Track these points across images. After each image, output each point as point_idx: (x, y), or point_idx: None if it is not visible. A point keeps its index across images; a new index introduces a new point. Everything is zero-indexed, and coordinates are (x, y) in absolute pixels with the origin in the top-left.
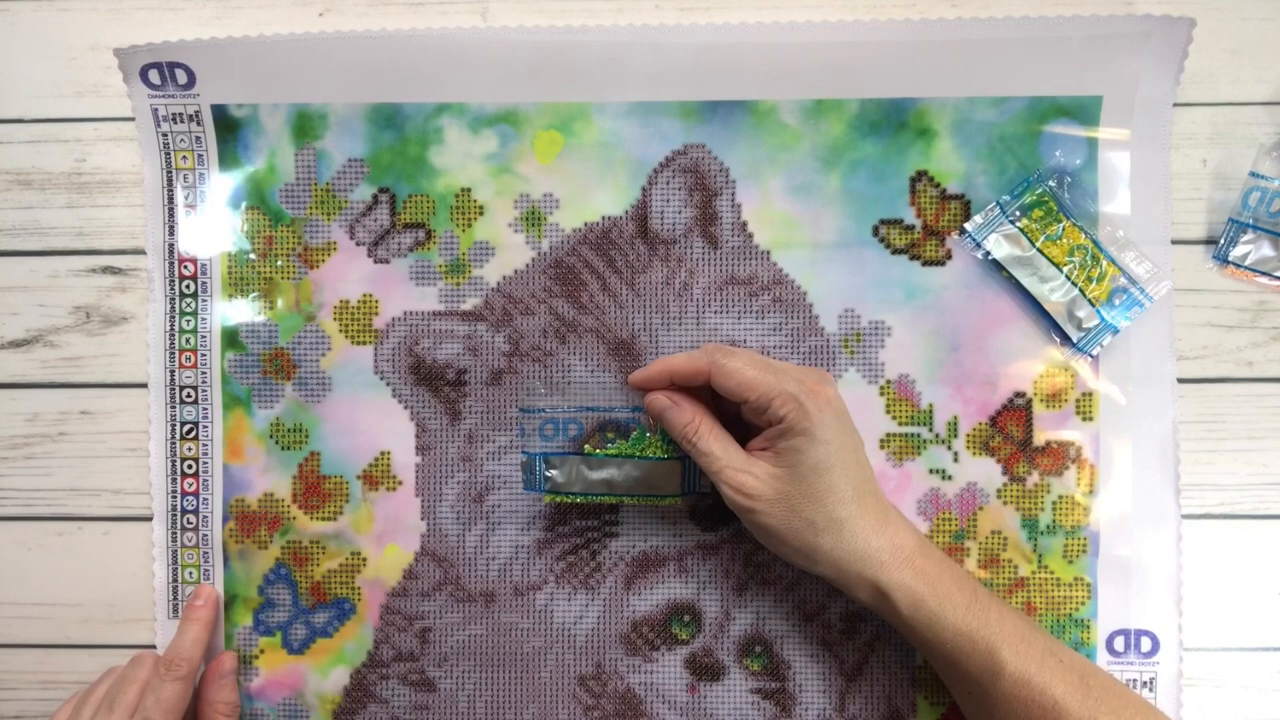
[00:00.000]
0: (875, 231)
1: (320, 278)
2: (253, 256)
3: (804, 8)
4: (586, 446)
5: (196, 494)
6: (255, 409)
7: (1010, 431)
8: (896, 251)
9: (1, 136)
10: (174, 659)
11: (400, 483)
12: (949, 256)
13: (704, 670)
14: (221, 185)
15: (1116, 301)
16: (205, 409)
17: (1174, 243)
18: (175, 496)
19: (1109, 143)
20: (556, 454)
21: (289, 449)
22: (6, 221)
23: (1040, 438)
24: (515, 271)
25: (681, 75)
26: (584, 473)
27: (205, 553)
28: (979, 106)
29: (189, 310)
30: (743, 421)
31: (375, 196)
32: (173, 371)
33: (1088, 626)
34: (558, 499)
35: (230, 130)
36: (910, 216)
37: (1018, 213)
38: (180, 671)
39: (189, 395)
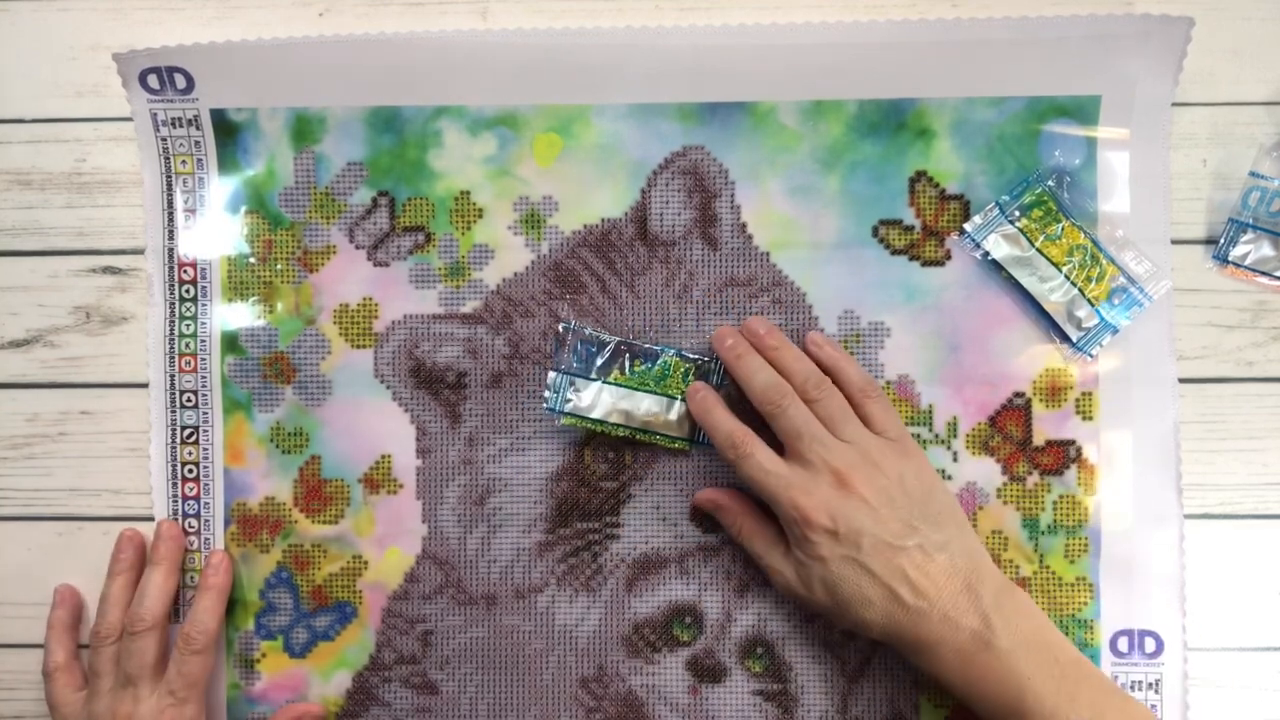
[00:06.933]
0: (875, 232)
1: (320, 281)
2: (252, 260)
3: (804, 8)
4: (614, 375)
5: (197, 498)
6: (256, 413)
7: (1010, 431)
8: (896, 252)
9: (1, 136)
10: (190, 632)
11: (401, 486)
12: (948, 257)
13: (706, 672)
14: (221, 189)
15: (1116, 301)
16: (205, 413)
17: (1174, 242)
18: (176, 500)
19: (1108, 142)
20: (582, 377)
21: (290, 453)
22: (6, 221)
23: (1040, 437)
24: (515, 274)
25: (680, 77)
26: (604, 399)
27: (206, 556)
28: (978, 107)
29: (189, 314)
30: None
31: (374, 200)
32: (173, 375)
33: (1091, 627)
34: (574, 422)
35: (229, 134)
36: (910, 217)
37: (1017, 213)
38: (197, 645)
39: (189, 399)
